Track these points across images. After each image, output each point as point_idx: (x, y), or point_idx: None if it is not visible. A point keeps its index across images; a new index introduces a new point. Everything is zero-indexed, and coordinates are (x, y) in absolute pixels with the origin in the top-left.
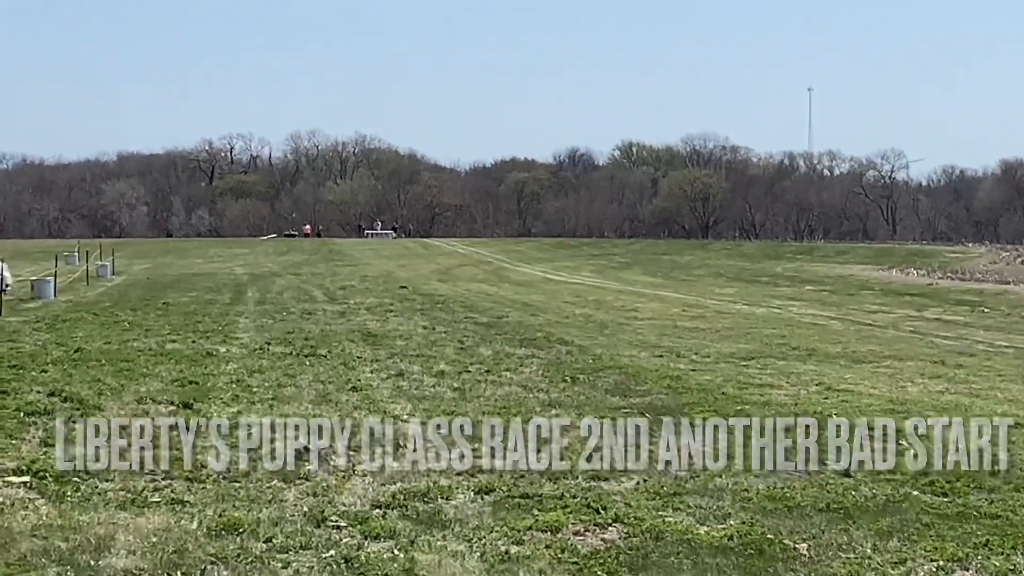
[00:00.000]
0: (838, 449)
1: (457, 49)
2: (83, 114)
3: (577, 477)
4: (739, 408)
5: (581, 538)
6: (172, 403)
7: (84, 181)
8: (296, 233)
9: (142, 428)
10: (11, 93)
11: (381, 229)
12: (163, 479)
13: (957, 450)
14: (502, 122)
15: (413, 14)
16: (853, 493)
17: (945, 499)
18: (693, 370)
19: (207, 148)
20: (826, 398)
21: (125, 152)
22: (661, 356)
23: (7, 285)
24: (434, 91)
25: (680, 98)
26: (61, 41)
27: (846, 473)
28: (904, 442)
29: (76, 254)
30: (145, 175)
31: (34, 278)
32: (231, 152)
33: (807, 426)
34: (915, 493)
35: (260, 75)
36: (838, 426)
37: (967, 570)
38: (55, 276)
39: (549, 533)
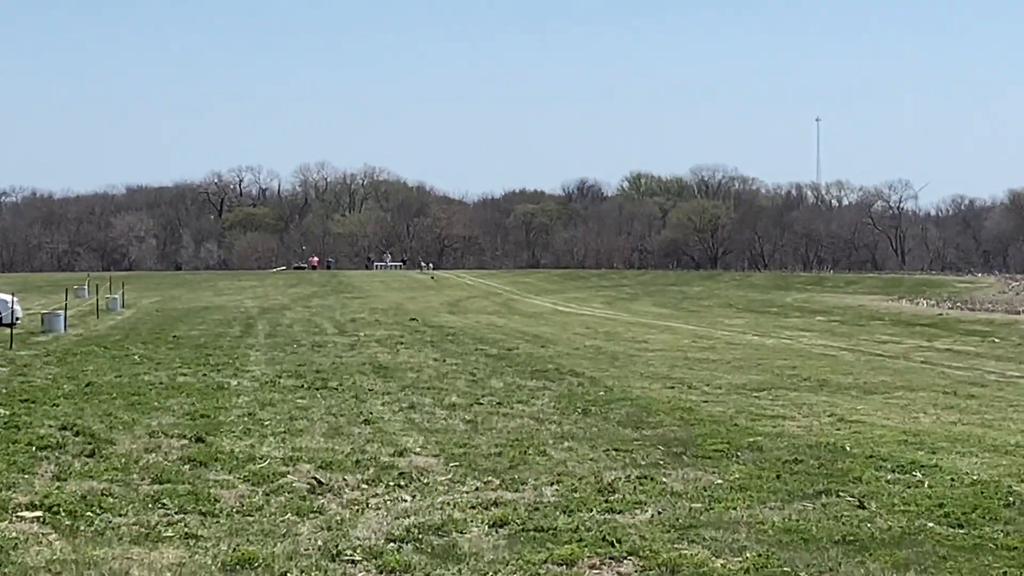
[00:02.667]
0: (852, 480)
1: (465, 81)
2: (92, 147)
3: (592, 510)
4: (752, 439)
5: (597, 571)
6: (184, 436)
7: (93, 214)
8: (305, 265)
9: (154, 462)
10: (20, 126)
11: (390, 261)
12: (176, 513)
13: (972, 482)
14: (511, 154)
15: (421, 46)
16: (868, 525)
17: (961, 531)
18: (705, 401)
19: (216, 181)
20: (839, 429)
21: (134, 185)
22: (672, 387)
23: (17, 318)
24: (442, 123)
25: (688, 129)
26: (70, 74)
27: (861, 505)
28: (918, 473)
29: (86, 287)
30: (154, 208)
31: (44, 311)
32: (240, 185)
33: (820, 457)
34: (931, 525)
35: (269, 108)
36: (851, 457)
37: None
38: (65, 309)
39: (564, 567)
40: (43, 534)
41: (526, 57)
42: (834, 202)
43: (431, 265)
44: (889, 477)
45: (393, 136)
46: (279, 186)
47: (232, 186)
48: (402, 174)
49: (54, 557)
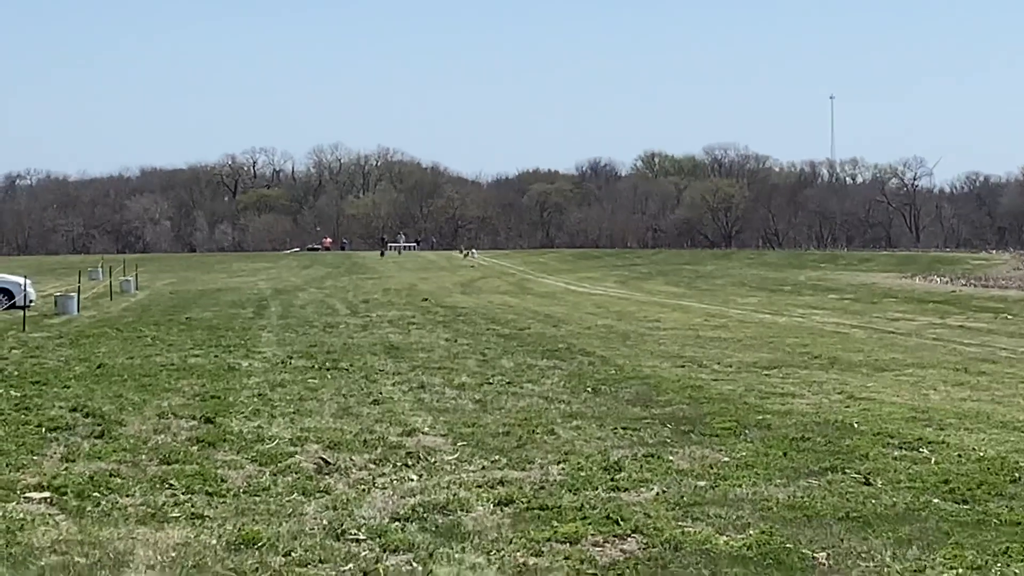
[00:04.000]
0: (859, 458)
1: (479, 61)
2: (106, 129)
3: (597, 488)
4: (760, 418)
5: (600, 549)
6: (194, 417)
7: (108, 197)
8: (319, 247)
9: (163, 443)
10: (35, 109)
11: (404, 242)
12: (183, 494)
13: (979, 458)
14: (524, 134)
15: (434, 26)
16: (873, 502)
17: (965, 507)
18: (715, 380)
19: (230, 163)
20: (848, 407)
21: (148, 167)
22: (683, 366)
23: (31, 301)
24: (456, 103)
25: (702, 108)
26: (84, 57)
27: (867, 481)
28: (925, 450)
29: (100, 270)
30: (168, 190)
31: (58, 294)
32: (254, 166)
33: (828, 435)
34: (935, 501)
35: (283, 89)
36: (859, 435)
37: None
38: (78, 292)
39: (568, 544)
40: (50, 515)
41: (539, 37)
42: (848, 180)
43: (473, 252)
44: (896, 454)
45: (407, 117)
46: (293, 167)
47: (246, 168)
48: (416, 155)
49: (60, 537)
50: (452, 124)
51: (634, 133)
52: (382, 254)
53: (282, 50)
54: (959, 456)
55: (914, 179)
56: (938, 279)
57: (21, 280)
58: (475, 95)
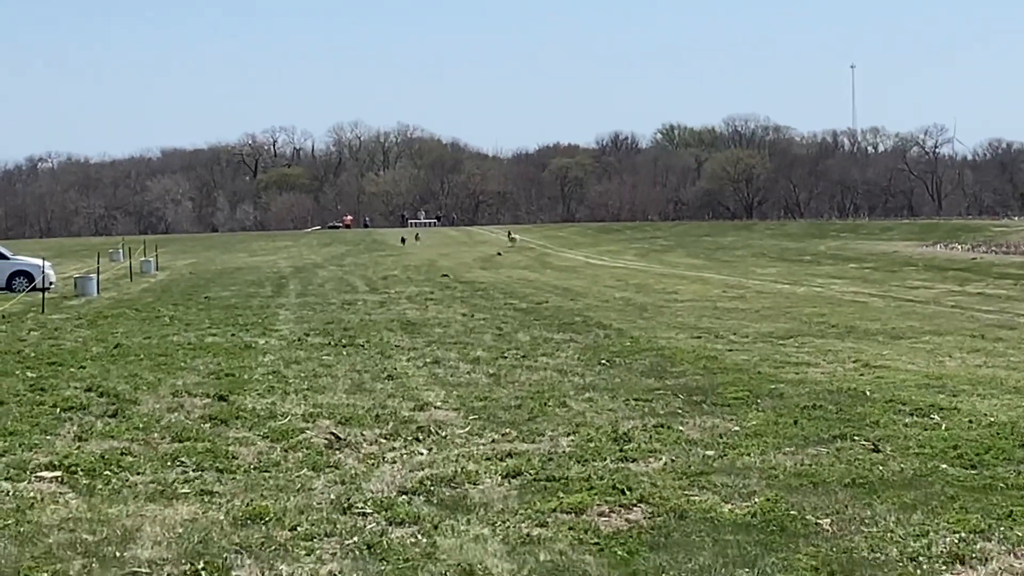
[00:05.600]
0: (869, 425)
1: (498, 36)
2: (127, 111)
3: (606, 459)
4: (773, 387)
5: (605, 519)
6: (208, 395)
7: (129, 178)
8: (340, 225)
9: (176, 421)
10: (55, 92)
11: (425, 218)
12: (194, 471)
13: (989, 423)
14: (544, 108)
15: (453, 2)
16: (880, 468)
17: (973, 471)
18: (730, 350)
19: (250, 142)
20: (862, 375)
21: (169, 148)
22: (699, 337)
23: (51, 283)
24: (475, 78)
25: (722, 78)
26: (103, 39)
27: (875, 448)
28: (936, 416)
29: (120, 251)
30: (189, 170)
31: (78, 276)
32: (274, 145)
33: (840, 403)
34: (943, 466)
35: (301, 67)
36: (871, 402)
37: (989, 541)
38: (97, 273)
39: (573, 515)
40: (60, 493)
41: (558, 10)
42: (870, 149)
43: (514, 238)
44: (907, 421)
45: (426, 93)
46: (313, 146)
47: (266, 147)
48: (436, 131)
49: (69, 515)
50: (471, 99)
51: (654, 105)
52: (402, 241)
53: (301, 28)
54: (970, 422)
55: (936, 146)
56: (959, 247)
57: (40, 262)
58: (494, 70)
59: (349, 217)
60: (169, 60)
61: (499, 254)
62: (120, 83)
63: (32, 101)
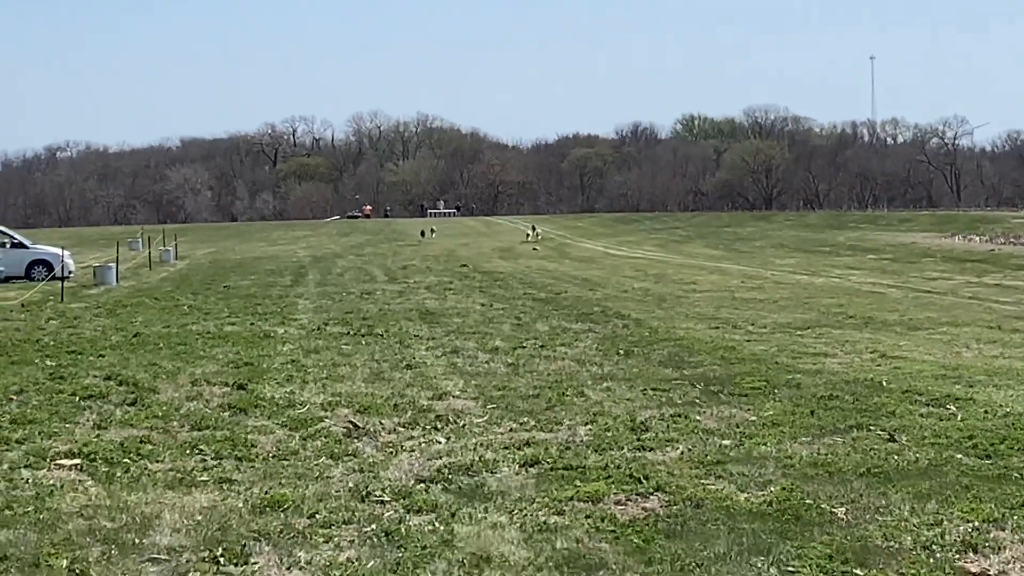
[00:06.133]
0: (885, 415)
1: (517, 26)
2: (146, 100)
3: (623, 448)
4: (790, 377)
5: (622, 507)
6: (226, 384)
7: (148, 167)
8: (359, 214)
9: (195, 410)
10: (75, 81)
11: (444, 208)
12: (212, 459)
13: (1005, 414)
14: (564, 98)
15: None
16: (896, 458)
17: (987, 461)
18: (748, 340)
19: (270, 132)
20: (879, 365)
21: (188, 137)
22: (717, 328)
23: (70, 272)
24: (495, 68)
25: (741, 70)
26: (124, 29)
27: (891, 438)
28: (952, 407)
29: (140, 240)
30: (209, 160)
31: (97, 264)
32: (294, 135)
33: (856, 393)
34: (958, 456)
35: (321, 57)
36: (887, 392)
37: (1003, 530)
38: (116, 262)
39: (590, 503)
40: (80, 481)
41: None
42: (889, 140)
43: (536, 234)
44: (923, 411)
45: (446, 83)
46: (333, 136)
47: (286, 136)
48: (455, 121)
49: (88, 503)
50: (491, 89)
51: (673, 96)
52: (422, 234)
53: (321, 18)
54: (985, 412)
55: (955, 138)
56: (978, 238)
57: (59, 251)
58: (514, 60)
59: (368, 207)
60: (189, 49)
61: (535, 248)
62: (140, 72)
63: (51, 90)
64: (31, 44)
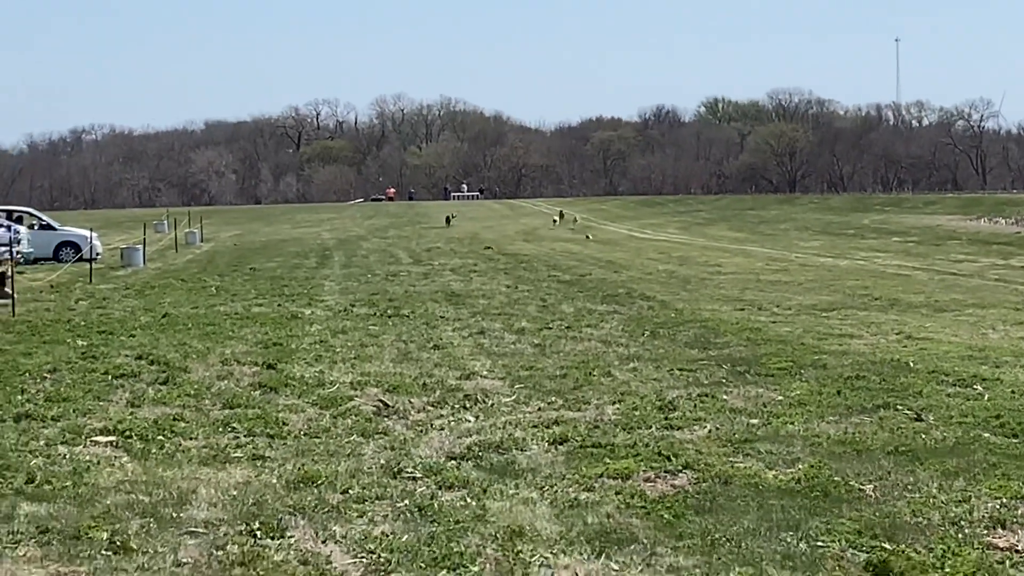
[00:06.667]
0: (912, 395)
1: (541, 8)
2: (171, 83)
3: (651, 427)
4: (816, 358)
5: (651, 484)
6: (256, 364)
7: (173, 150)
8: (382, 197)
9: (226, 388)
10: (99, 64)
11: (468, 191)
12: (245, 436)
13: None
14: (587, 81)
15: None
16: (923, 437)
17: (1015, 440)
18: (773, 322)
19: (293, 114)
20: (905, 346)
21: (213, 120)
22: (742, 309)
23: (97, 254)
24: (518, 51)
25: (765, 52)
26: (148, 11)
27: (918, 417)
28: (979, 387)
29: (165, 222)
30: (233, 143)
31: (124, 246)
32: (317, 118)
33: (883, 374)
34: (985, 435)
35: (345, 40)
36: (914, 373)
37: None
38: (143, 244)
39: (620, 480)
40: (115, 457)
41: None
42: (914, 123)
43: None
44: (949, 391)
45: (469, 66)
46: (356, 118)
47: (309, 119)
48: (479, 104)
49: (125, 478)
50: (514, 72)
51: (697, 79)
52: (447, 221)
53: (345, 1)
54: (1012, 392)
55: (981, 120)
56: (1004, 220)
57: (87, 233)
58: (537, 43)
59: (392, 190)
60: (213, 32)
61: (588, 237)
62: (164, 55)
63: (76, 73)
64: (56, 27)
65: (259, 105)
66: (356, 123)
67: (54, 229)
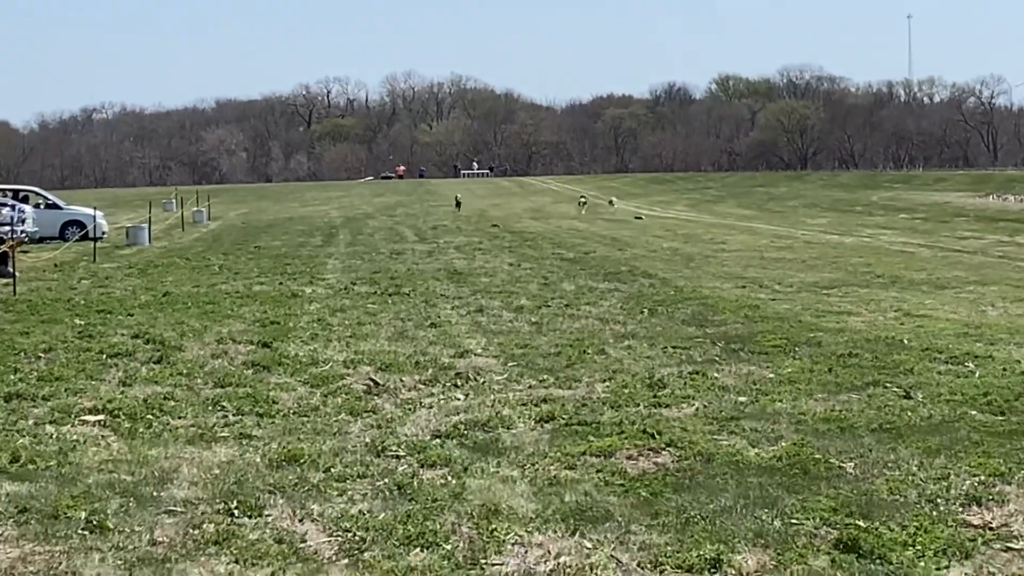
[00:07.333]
0: (904, 372)
1: None
2: (181, 61)
3: (639, 405)
4: (812, 335)
5: (633, 462)
6: (252, 343)
7: (184, 128)
8: (392, 175)
9: (219, 367)
10: (109, 43)
11: (478, 169)
12: (234, 415)
13: (1023, 371)
14: (598, 58)
15: None
16: (910, 414)
17: (1000, 418)
18: (773, 299)
19: (304, 92)
20: (902, 323)
21: (223, 99)
22: (743, 287)
23: (103, 233)
24: (529, 28)
25: (776, 29)
26: None
27: (907, 395)
28: (971, 364)
29: (173, 201)
30: (243, 121)
31: (130, 225)
32: (328, 96)
33: (876, 351)
34: (972, 413)
35: (355, 17)
36: (907, 350)
37: (1009, 484)
38: (149, 223)
39: (602, 458)
40: (102, 436)
41: None
42: (925, 100)
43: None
44: (941, 368)
45: (480, 43)
46: (367, 96)
47: (320, 97)
48: (489, 81)
49: (109, 457)
50: (525, 50)
51: (708, 56)
52: (458, 206)
53: None
54: (1004, 370)
55: (992, 97)
56: (1012, 198)
57: (92, 212)
58: (548, 20)
59: (402, 168)
60: (224, 10)
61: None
62: (175, 33)
63: (87, 52)
64: (67, 5)
65: (270, 83)
66: (367, 101)
67: (60, 208)
